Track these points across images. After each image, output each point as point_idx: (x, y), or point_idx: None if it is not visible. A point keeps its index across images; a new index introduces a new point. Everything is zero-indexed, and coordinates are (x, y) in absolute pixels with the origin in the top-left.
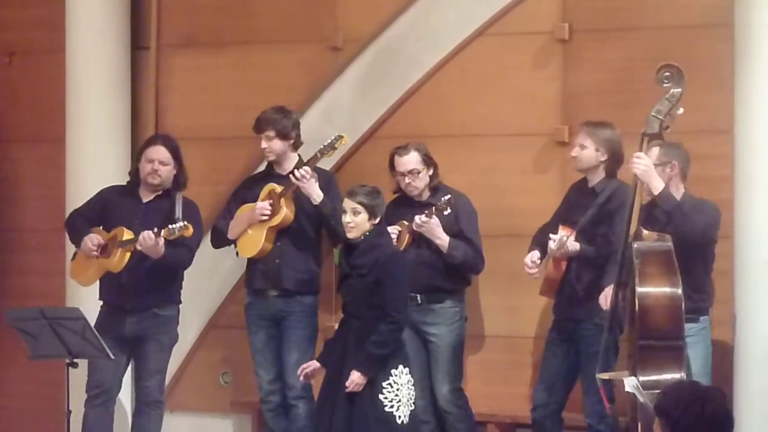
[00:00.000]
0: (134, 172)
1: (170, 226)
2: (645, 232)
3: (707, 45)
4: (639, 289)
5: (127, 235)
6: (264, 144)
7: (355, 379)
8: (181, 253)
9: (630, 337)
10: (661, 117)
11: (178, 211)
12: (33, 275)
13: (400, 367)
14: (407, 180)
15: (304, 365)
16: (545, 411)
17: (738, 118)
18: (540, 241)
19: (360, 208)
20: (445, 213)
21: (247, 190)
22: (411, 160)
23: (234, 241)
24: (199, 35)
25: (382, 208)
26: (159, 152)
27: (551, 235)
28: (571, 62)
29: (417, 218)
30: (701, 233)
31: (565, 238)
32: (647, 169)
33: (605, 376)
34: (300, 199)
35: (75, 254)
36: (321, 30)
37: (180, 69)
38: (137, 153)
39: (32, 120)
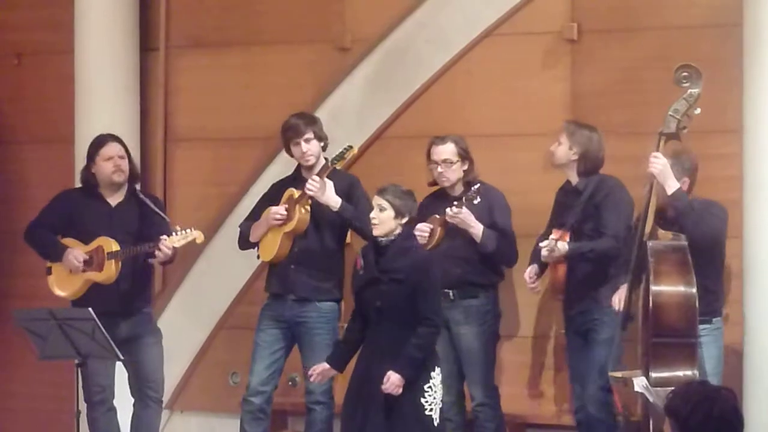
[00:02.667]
0: (90, 176)
1: (179, 233)
2: (660, 231)
3: (716, 45)
4: (653, 288)
5: (115, 246)
6: (304, 147)
7: (395, 381)
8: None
9: (642, 335)
10: (678, 117)
11: (160, 212)
12: (41, 276)
13: (437, 368)
14: (440, 169)
15: (315, 367)
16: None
17: (747, 118)
18: (538, 254)
19: (386, 204)
20: (475, 202)
21: (273, 194)
22: (446, 150)
23: (257, 244)
24: (208, 36)
25: (412, 210)
26: (114, 149)
27: (540, 244)
28: (579, 62)
29: (448, 210)
30: (711, 237)
31: (553, 242)
32: (663, 168)
33: (618, 374)
34: (319, 205)
35: (49, 269)
36: (329, 30)
37: (188, 70)
38: (87, 155)
39: (40, 121)
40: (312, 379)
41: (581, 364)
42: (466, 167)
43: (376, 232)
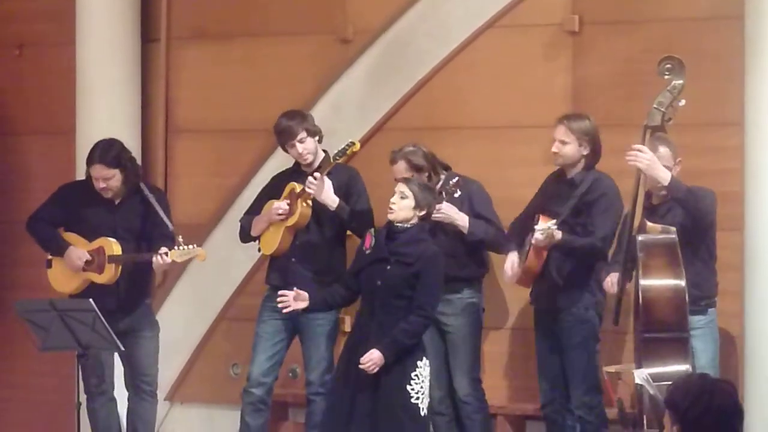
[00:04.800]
0: (90, 179)
1: (181, 249)
2: (649, 224)
3: (718, 37)
4: (642, 282)
5: (116, 249)
6: (300, 148)
7: (375, 359)
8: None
9: (634, 329)
10: (663, 109)
11: (164, 216)
12: (43, 267)
13: (424, 359)
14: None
15: (286, 292)
16: (553, 407)
17: (748, 111)
18: (518, 235)
19: (408, 193)
20: (456, 195)
21: (274, 187)
22: (398, 169)
23: (258, 238)
24: (209, 28)
25: (431, 206)
26: (98, 171)
27: (536, 227)
28: (581, 54)
29: None
30: (707, 216)
31: (552, 229)
32: (650, 162)
33: (612, 369)
34: None
35: (50, 261)
36: (331, 22)
37: (190, 61)
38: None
39: (42, 112)
40: (282, 301)
41: (550, 363)
42: (426, 174)
43: (390, 216)
